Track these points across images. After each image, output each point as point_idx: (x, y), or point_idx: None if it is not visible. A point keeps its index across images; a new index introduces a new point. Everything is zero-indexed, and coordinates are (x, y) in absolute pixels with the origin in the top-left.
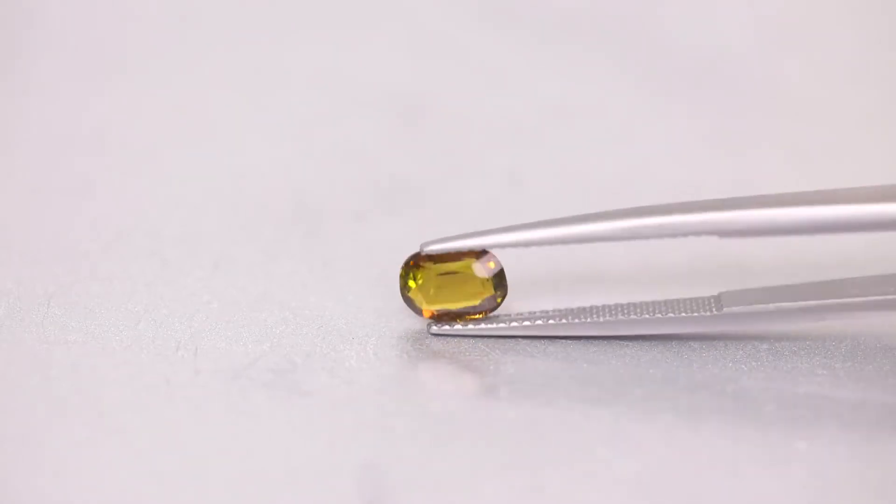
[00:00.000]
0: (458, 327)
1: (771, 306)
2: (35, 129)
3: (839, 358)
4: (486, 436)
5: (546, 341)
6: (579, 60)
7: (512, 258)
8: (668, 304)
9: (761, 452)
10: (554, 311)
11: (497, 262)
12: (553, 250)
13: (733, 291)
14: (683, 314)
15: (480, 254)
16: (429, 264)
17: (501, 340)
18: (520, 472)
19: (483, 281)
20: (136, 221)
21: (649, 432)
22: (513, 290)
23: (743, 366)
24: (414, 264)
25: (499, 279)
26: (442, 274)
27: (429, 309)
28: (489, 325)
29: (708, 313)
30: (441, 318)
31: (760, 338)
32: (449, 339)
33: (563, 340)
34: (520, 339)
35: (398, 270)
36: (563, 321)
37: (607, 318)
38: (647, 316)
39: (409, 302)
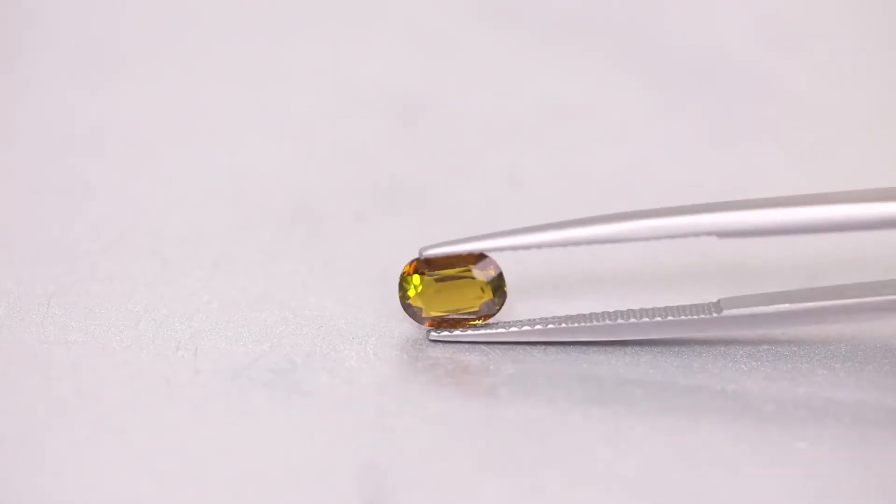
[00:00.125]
0: (457, 333)
1: (770, 309)
2: (35, 129)
3: (839, 358)
4: (486, 436)
5: (546, 342)
6: (579, 60)
7: (511, 262)
8: (668, 310)
9: (761, 452)
10: (553, 317)
11: (496, 267)
12: (552, 254)
13: (732, 297)
14: (683, 317)
15: (479, 258)
16: (427, 270)
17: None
18: (520, 472)
19: (482, 285)
20: (136, 221)
21: (649, 432)
22: (512, 294)
23: (743, 366)
24: (412, 271)
25: (498, 284)
26: (440, 279)
27: (428, 317)
28: (488, 332)
29: (707, 316)
30: (440, 324)
31: (761, 338)
32: (449, 338)
33: (564, 341)
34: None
35: (398, 272)
36: (563, 326)
37: (607, 322)
38: (646, 320)
39: (409, 309)
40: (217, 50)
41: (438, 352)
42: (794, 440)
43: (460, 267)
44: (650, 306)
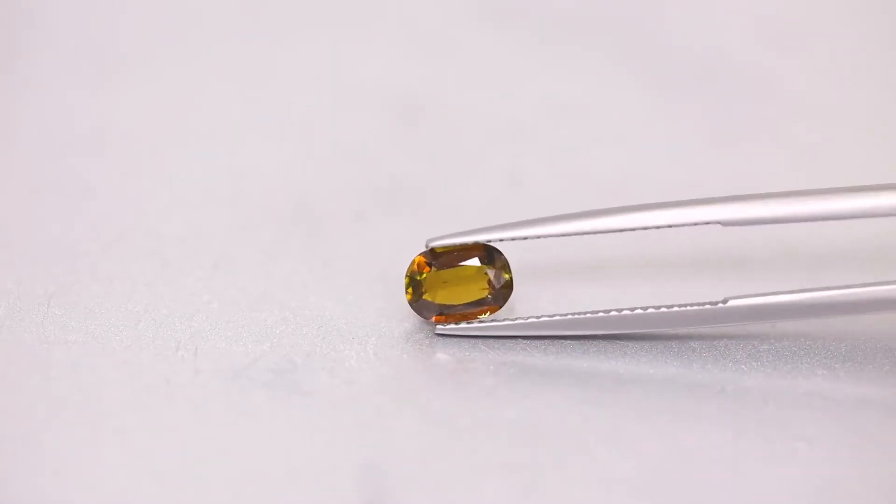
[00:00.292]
0: (463, 325)
1: (774, 299)
2: (35, 129)
3: (839, 358)
4: (486, 436)
5: (546, 342)
6: (579, 60)
7: (517, 255)
8: (673, 304)
9: (761, 452)
10: (557, 311)
11: (502, 259)
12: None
13: (737, 296)
14: (687, 308)
15: (485, 250)
16: (433, 262)
17: (502, 342)
18: (520, 472)
19: (488, 278)
20: (136, 221)
21: (649, 432)
22: (518, 287)
23: (743, 366)
24: (418, 266)
25: (504, 276)
26: (447, 272)
27: (434, 311)
28: (494, 324)
29: (712, 306)
30: (446, 318)
31: (761, 338)
32: (449, 339)
33: (564, 342)
34: (520, 340)
35: (398, 272)
36: (568, 318)
37: (612, 314)
38: (651, 311)
39: (415, 303)
40: (217, 50)
41: (439, 352)
42: (794, 440)
43: (466, 259)
44: (657, 300)
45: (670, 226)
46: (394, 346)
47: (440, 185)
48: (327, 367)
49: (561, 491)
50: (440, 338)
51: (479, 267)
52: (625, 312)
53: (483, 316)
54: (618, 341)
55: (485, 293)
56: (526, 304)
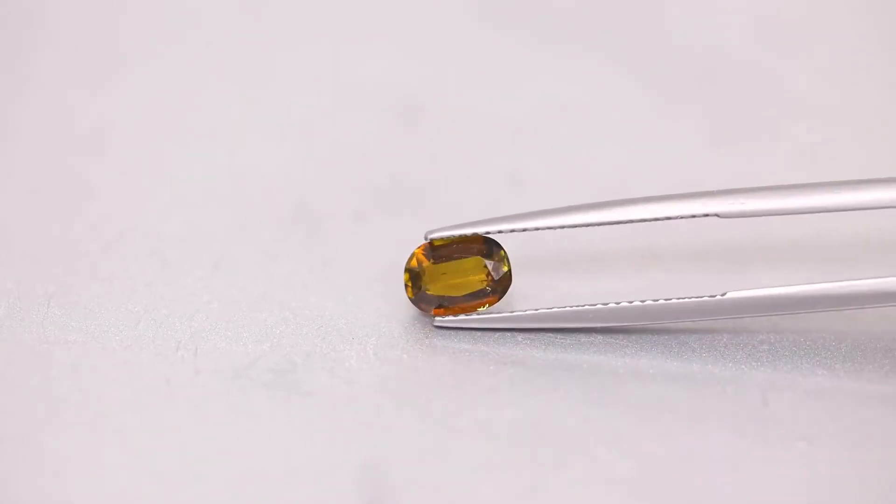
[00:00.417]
0: (462, 318)
1: (774, 291)
2: (35, 129)
3: (839, 358)
4: (486, 436)
5: (546, 342)
6: (579, 60)
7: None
8: (671, 298)
9: (761, 452)
10: (555, 304)
11: (501, 251)
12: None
13: (736, 289)
14: (687, 299)
15: (484, 242)
16: (433, 255)
17: (502, 341)
18: (520, 472)
19: (487, 270)
20: (136, 221)
21: (649, 432)
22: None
23: (743, 366)
24: (417, 260)
25: (503, 268)
26: (446, 264)
27: (433, 304)
28: (493, 316)
29: (711, 298)
30: (445, 311)
31: (760, 338)
32: (449, 338)
33: (563, 341)
34: (520, 340)
35: (398, 272)
36: (567, 310)
37: (611, 306)
38: (650, 303)
39: (414, 295)
40: (217, 50)
41: (439, 351)
42: (794, 440)
43: (465, 251)
44: (654, 292)
45: (668, 218)
46: (394, 346)
47: (440, 185)
48: (327, 367)
49: (561, 491)
50: (440, 337)
51: (478, 259)
52: (623, 305)
53: (482, 308)
54: (617, 342)
55: (484, 285)
56: (525, 297)
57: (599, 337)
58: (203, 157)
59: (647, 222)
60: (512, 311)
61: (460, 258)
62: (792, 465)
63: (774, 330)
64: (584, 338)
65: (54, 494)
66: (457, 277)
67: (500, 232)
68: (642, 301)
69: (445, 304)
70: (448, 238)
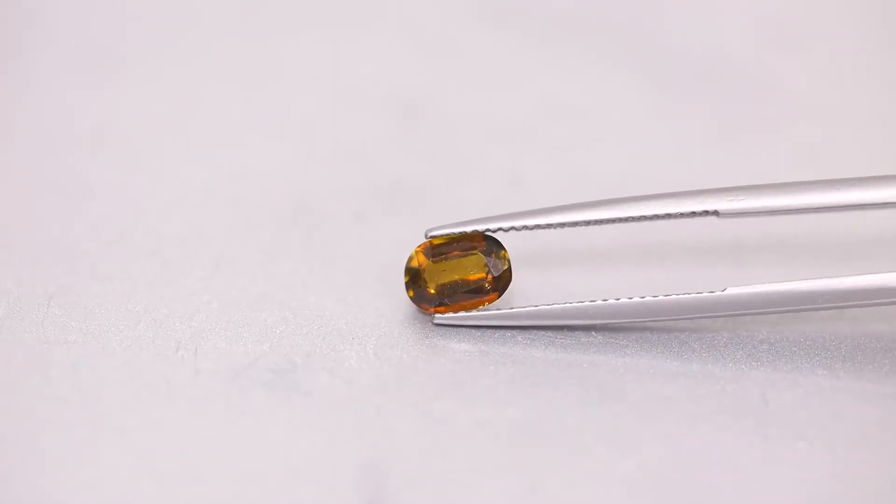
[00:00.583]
0: (461, 315)
1: (772, 287)
2: (35, 129)
3: (839, 358)
4: (486, 436)
5: (546, 341)
6: (579, 60)
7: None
8: (670, 295)
9: (761, 452)
10: (554, 301)
11: (501, 249)
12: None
13: (736, 285)
14: (687, 295)
15: (484, 240)
16: (433, 253)
17: (501, 340)
18: (519, 472)
19: (487, 268)
20: (136, 221)
21: (649, 432)
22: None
23: (743, 366)
24: (417, 256)
25: (503, 266)
26: (446, 262)
27: (433, 302)
28: (492, 313)
29: (710, 294)
30: (445, 309)
31: (760, 338)
32: (449, 338)
33: (563, 341)
34: (520, 339)
35: (398, 272)
36: (567, 307)
37: (611, 303)
38: (650, 299)
39: (414, 292)
40: (217, 50)
41: (439, 351)
42: (794, 440)
43: (465, 249)
44: (654, 289)
45: (668, 216)
46: (394, 346)
47: (440, 185)
48: (327, 367)
49: (561, 491)
50: (440, 337)
51: (477, 256)
52: (623, 301)
53: (481, 306)
54: (617, 342)
55: (484, 283)
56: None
57: (599, 336)
58: (203, 157)
59: (646, 220)
60: (511, 309)
61: (460, 256)
62: (792, 465)
63: (774, 329)
64: (583, 337)
65: (54, 494)
66: (457, 275)
67: (499, 230)
68: (642, 297)
69: (446, 303)
70: (448, 236)
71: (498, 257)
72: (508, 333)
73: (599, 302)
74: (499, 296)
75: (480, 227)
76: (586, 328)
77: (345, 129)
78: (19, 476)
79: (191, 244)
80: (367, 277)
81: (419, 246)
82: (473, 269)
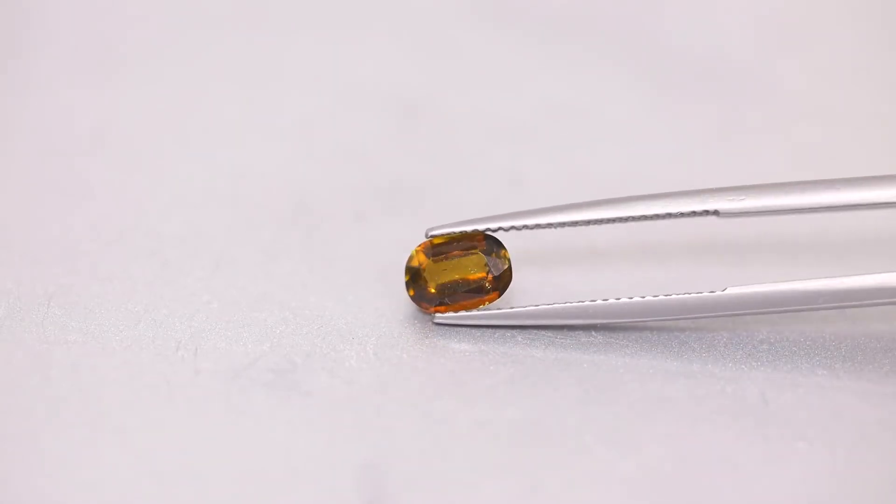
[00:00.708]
0: (462, 314)
1: (773, 287)
2: (35, 129)
3: (839, 358)
4: (486, 436)
5: (546, 341)
6: (579, 60)
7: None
8: (673, 294)
9: (761, 452)
10: (555, 301)
11: (501, 248)
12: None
13: (736, 285)
14: (687, 295)
15: (484, 239)
16: (433, 253)
17: (501, 340)
18: (519, 472)
19: (487, 267)
20: (136, 221)
21: (649, 432)
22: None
23: (743, 366)
24: (417, 256)
25: (503, 265)
26: (446, 261)
27: (433, 302)
28: (493, 313)
29: (710, 294)
30: (445, 308)
31: (760, 338)
32: (449, 338)
33: (564, 341)
34: (520, 339)
35: (398, 272)
36: (567, 307)
37: (611, 302)
38: (650, 299)
39: (415, 292)
40: (217, 50)
41: (439, 351)
42: (794, 440)
43: (466, 249)
44: (655, 289)
45: (669, 215)
46: (394, 346)
47: (440, 185)
48: (327, 367)
49: (561, 491)
50: (440, 336)
51: (478, 256)
52: (624, 301)
53: (482, 305)
54: (617, 342)
55: (484, 282)
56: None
57: (599, 336)
58: (203, 157)
59: (647, 220)
60: (512, 308)
61: (461, 255)
62: (792, 465)
63: (774, 330)
64: (583, 337)
65: (54, 494)
66: (457, 274)
67: (500, 229)
68: (642, 297)
69: (446, 302)
70: (448, 235)
71: (498, 257)
72: (508, 333)
73: (600, 302)
74: (499, 295)
75: (481, 227)
76: (586, 328)
77: (345, 129)
78: (19, 476)
79: (191, 244)
80: (367, 277)
81: (419, 245)
82: (474, 269)
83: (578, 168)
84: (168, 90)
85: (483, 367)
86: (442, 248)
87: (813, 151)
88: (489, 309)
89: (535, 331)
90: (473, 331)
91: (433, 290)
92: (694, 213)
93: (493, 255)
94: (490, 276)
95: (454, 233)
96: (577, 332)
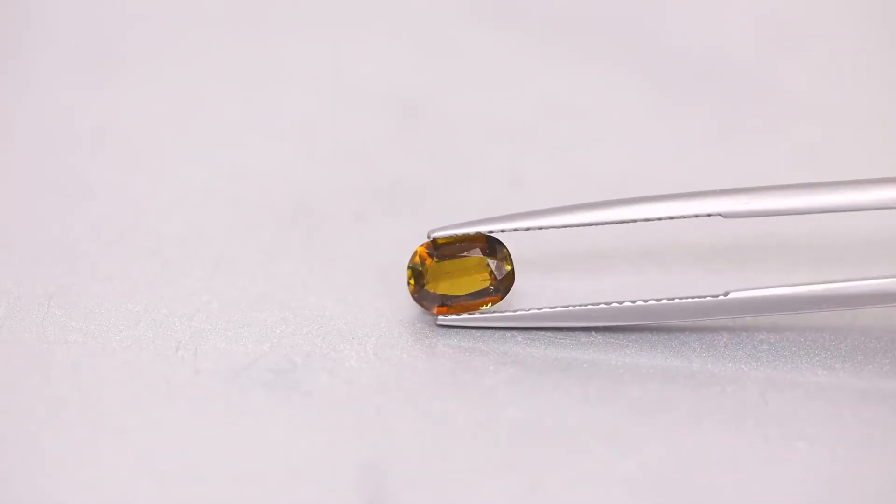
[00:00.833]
0: (465, 317)
1: (775, 291)
2: (35, 129)
3: (839, 358)
4: (486, 436)
5: (546, 342)
6: (579, 60)
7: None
8: (675, 296)
9: (761, 452)
10: (558, 303)
11: (504, 250)
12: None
13: (738, 289)
14: (689, 300)
15: (487, 241)
16: (436, 253)
17: (501, 341)
18: (519, 472)
19: (490, 268)
20: (136, 221)
21: (649, 432)
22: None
23: (743, 366)
24: (420, 258)
25: (506, 267)
26: (449, 262)
27: (436, 302)
28: (496, 315)
29: (713, 299)
30: (448, 309)
31: (760, 338)
32: (449, 338)
33: (564, 341)
34: (520, 340)
35: (398, 272)
36: (570, 309)
37: (614, 305)
38: (653, 303)
39: (417, 293)
40: (217, 50)
41: (439, 351)
42: (794, 440)
43: (468, 250)
44: (657, 292)
45: (672, 218)
46: (394, 346)
47: (440, 185)
48: (327, 367)
49: (561, 491)
50: (440, 337)
51: (480, 258)
52: (626, 304)
53: (484, 307)
54: (617, 342)
55: (486, 284)
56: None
57: (599, 337)
58: (203, 157)
59: (651, 221)
60: (515, 310)
61: (463, 257)
62: (792, 465)
63: (774, 330)
64: (584, 338)
65: (54, 494)
66: (460, 276)
67: (503, 231)
68: (645, 301)
69: (448, 303)
70: (451, 237)
71: (501, 259)
72: (508, 333)
73: (603, 305)
74: (502, 297)
75: (483, 229)
76: (586, 328)
77: (345, 129)
78: (19, 476)
79: (191, 244)
80: (367, 277)
81: (422, 245)
82: (476, 271)
83: (578, 168)
84: (168, 90)
85: (483, 367)
86: (444, 249)
87: (813, 151)
88: (492, 311)
89: (535, 331)
90: (473, 331)
91: (435, 291)
92: (698, 216)
93: (496, 257)
94: (493, 278)
95: (457, 235)
96: (577, 333)
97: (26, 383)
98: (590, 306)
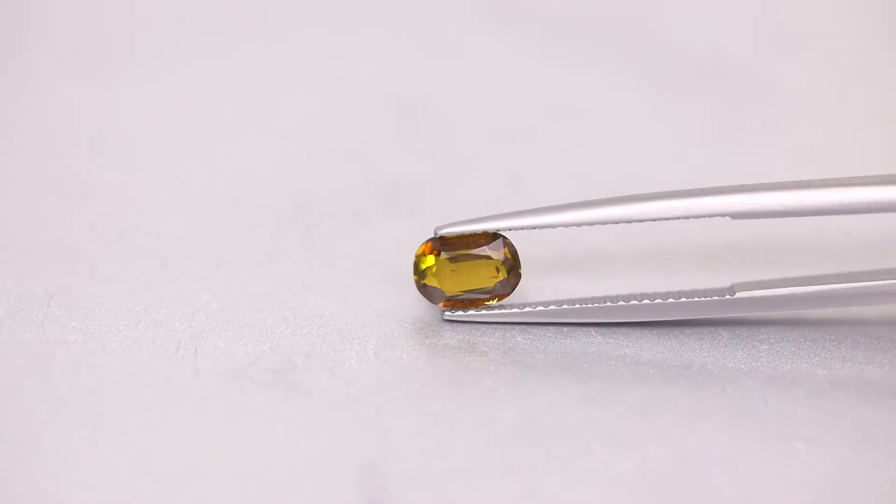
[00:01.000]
0: (471, 312)
1: (781, 290)
2: (35, 129)
3: (839, 358)
4: (486, 436)
5: (546, 342)
6: (579, 60)
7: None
8: (682, 292)
9: (761, 452)
10: (567, 298)
11: (510, 246)
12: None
13: (745, 283)
14: (696, 299)
15: (494, 238)
16: (442, 250)
17: (501, 341)
18: (520, 472)
19: (497, 265)
20: (136, 221)
21: (649, 432)
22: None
23: (743, 366)
24: (426, 252)
25: (512, 263)
26: (455, 259)
27: (443, 297)
28: (502, 311)
29: (720, 298)
30: (454, 304)
31: (760, 339)
32: (449, 338)
33: (563, 341)
34: (520, 340)
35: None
36: (576, 307)
37: (620, 303)
38: (659, 301)
39: (424, 289)
40: (217, 50)
41: (439, 352)
42: (794, 440)
43: (475, 246)
44: (664, 289)
45: (679, 218)
46: (394, 346)
47: (440, 185)
48: (327, 367)
49: (561, 491)
50: (440, 337)
51: (487, 254)
52: (632, 302)
53: (490, 303)
54: (617, 341)
55: (493, 281)
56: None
57: (599, 337)
58: (203, 157)
59: (657, 221)
60: (521, 307)
61: (470, 253)
62: (792, 465)
63: (774, 329)
64: (583, 337)
65: (54, 494)
66: (466, 272)
67: (510, 229)
68: (652, 299)
69: (454, 298)
70: (458, 234)
71: (507, 255)
72: (508, 333)
73: (609, 303)
74: (507, 294)
75: (490, 226)
76: (586, 328)
77: (345, 129)
78: (19, 476)
79: (191, 244)
80: (367, 277)
81: (427, 241)
82: (483, 268)
83: (578, 168)
84: (168, 90)
85: (483, 367)
86: (451, 245)
87: (813, 151)
88: (498, 307)
89: (535, 331)
90: (474, 331)
91: (441, 287)
92: (706, 216)
93: (502, 252)
94: (499, 274)
95: (464, 232)
96: (577, 332)
97: (26, 383)
98: (597, 304)
